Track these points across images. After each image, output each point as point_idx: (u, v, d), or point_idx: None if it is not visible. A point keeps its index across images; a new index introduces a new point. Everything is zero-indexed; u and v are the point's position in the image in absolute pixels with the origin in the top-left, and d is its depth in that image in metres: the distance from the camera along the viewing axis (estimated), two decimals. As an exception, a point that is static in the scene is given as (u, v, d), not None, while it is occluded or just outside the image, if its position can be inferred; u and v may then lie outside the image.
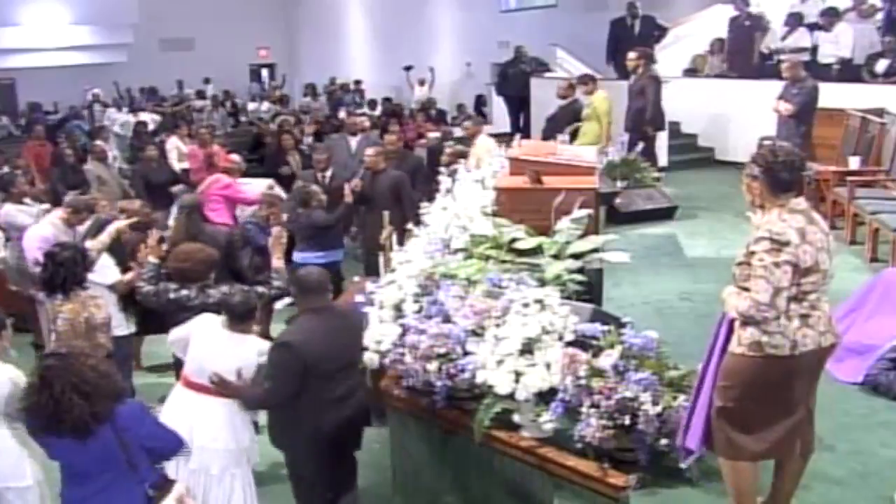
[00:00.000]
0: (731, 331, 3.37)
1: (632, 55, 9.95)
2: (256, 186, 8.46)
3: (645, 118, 9.71)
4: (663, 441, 3.61)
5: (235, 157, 9.57)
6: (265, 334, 5.63)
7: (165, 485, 3.20)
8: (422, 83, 17.55)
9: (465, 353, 3.92)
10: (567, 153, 6.63)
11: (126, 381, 4.62)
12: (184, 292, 4.76)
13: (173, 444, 3.30)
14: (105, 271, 5.54)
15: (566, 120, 9.76)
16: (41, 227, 6.42)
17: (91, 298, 4.63)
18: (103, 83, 20.00)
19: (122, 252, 5.95)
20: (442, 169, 7.03)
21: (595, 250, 5.05)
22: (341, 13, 23.01)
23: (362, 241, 7.72)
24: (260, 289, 4.91)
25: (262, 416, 4.69)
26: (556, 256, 4.92)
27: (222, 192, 8.46)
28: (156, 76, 20.91)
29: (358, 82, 19.11)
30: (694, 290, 6.54)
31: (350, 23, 22.88)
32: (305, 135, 10.89)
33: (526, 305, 3.91)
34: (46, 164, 11.82)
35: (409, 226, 5.83)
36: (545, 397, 3.68)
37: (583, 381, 3.59)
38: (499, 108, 14.88)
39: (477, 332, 3.98)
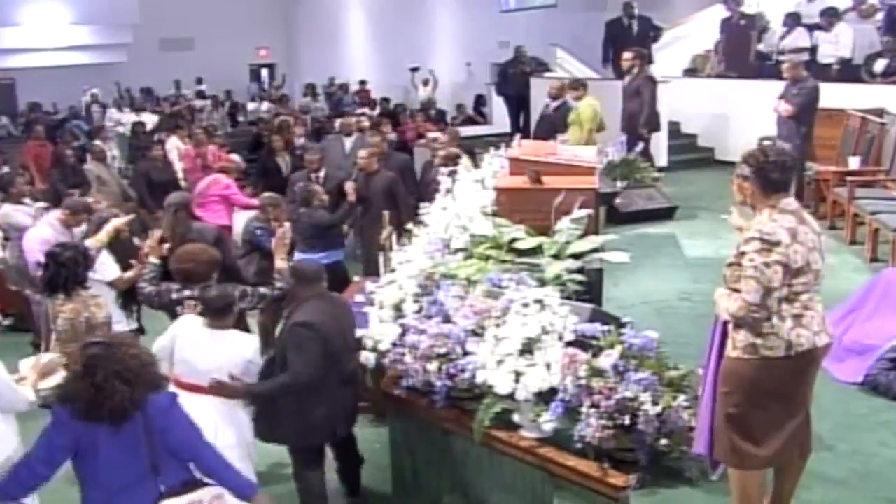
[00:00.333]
0: (725, 334, 3.37)
1: (627, 55, 9.92)
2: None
3: (640, 119, 9.66)
4: (663, 441, 3.61)
5: (235, 156, 9.56)
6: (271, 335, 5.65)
7: (189, 486, 3.17)
8: (426, 83, 17.58)
9: (465, 353, 3.92)
10: (567, 153, 6.63)
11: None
12: (186, 293, 4.75)
13: (198, 447, 3.25)
14: (104, 268, 5.53)
15: (557, 121, 9.75)
16: (40, 230, 6.40)
17: (92, 298, 4.62)
18: (103, 83, 20.00)
19: (122, 250, 5.94)
20: (442, 170, 7.02)
21: (595, 250, 5.05)
22: (341, 13, 23.01)
23: (361, 242, 7.70)
24: (262, 290, 4.90)
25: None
26: (556, 256, 4.93)
27: (221, 193, 8.46)
28: (156, 76, 20.92)
29: (363, 83, 19.11)
30: (694, 290, 6.54)
31: (350, 23, 22.88)
32: (296, 136, 10.82)
33: (526, 305, 3.91)
34: (46, 164, 11.81)
35: (409, 226, 5.83)
36: (545, 397, 3.68)
37: (583, 381, 3.59)
38: (499, 108, 14.87)
39: (477, 332, 3.99)
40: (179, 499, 3.11)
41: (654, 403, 3.55)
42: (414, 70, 17.94)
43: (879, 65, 9.95)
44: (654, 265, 7.36)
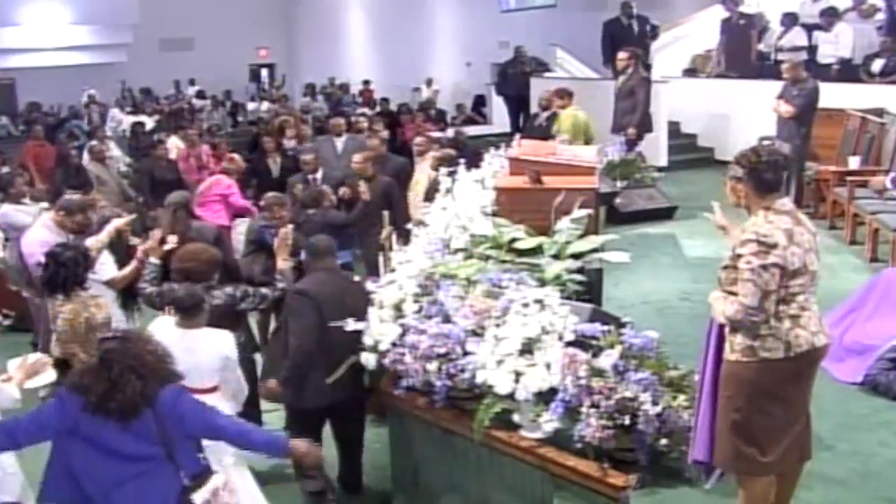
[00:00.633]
0: (721, 337, 3.35)
1: (622, 55, 9.81)
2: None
3: (631, 119, 9.52)
4: (663, 441, 3.61)
5: (235, 156, 9.56)
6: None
7: (205, 475, 3.20)
8: (429, 84, 17.60)
9: (465, 353, 3.92)
10: (567, 153, 6.63)
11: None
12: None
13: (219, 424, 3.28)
14: (102, 268, 5.52)
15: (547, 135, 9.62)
16: (37, 232, 6.32)
17: (92, 298, 4.61)
18: (103, 83, 19.99)
19: (123, 250, 5.94)
20: (431, 173, 7.01)
21: (595, 250, 5.05)
22: (341, 13, 23.02)
23: (360, 243, 7.70)
24: (264, 290, 4.90)
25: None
26: (556, 256, 4.93)
27: (222, 193, 8.46)
28: (155, 76, 20.92)
29: (367, 82, 19.09)
30: (693, 290, 6.54)
31: (350, 23, 22.89)
32: (287, 138, 10.78)
33: (526, 305, 3.91)
34: (46, 165, 11.79)
35: (409, 226, 5.82)
36: (545, 397, 3.68)
37: (583, 381, 3.59)
38: (499, 108, 14.88)
39: (477, 332, 3.98)
40: (202, 490, 3.15)
41: (654, 403, 3.54)
42: (416, 91, 18.02)
43: (877, 64, 9.94)
44: (653, 265, 7.36)
